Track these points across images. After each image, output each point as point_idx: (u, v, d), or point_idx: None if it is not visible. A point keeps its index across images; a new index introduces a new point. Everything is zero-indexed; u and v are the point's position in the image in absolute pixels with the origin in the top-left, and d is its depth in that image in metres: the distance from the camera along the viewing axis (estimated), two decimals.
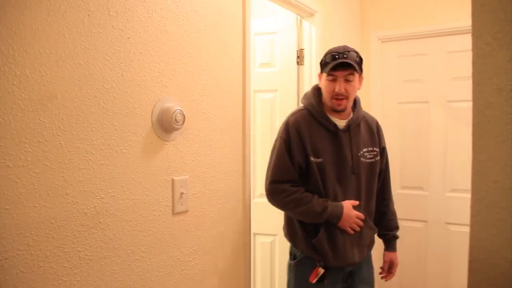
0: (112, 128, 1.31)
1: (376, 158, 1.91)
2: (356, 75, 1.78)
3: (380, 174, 1.98)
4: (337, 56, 1.76)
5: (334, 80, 1.77)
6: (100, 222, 1.28)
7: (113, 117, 1.31)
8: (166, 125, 1.47)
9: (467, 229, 0.78)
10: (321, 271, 1.81)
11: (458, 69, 2.97)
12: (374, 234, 1.99)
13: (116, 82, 1.32)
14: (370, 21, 3.33)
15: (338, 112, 1.83)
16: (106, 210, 1.30)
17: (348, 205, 1.80)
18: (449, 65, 3.04)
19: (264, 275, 2.75)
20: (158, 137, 1.47)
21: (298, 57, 2.64)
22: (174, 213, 1.55)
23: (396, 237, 2.07)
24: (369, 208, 1.93)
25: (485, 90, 0.72)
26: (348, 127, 1.84)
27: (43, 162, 1.12)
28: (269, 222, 2.65)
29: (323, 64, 1.83)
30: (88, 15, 1.22)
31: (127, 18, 1.34)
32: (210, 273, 1.75)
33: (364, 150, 1.87)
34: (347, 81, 1.77)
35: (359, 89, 1.85)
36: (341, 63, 1.74)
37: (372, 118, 2.00)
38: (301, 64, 2.65)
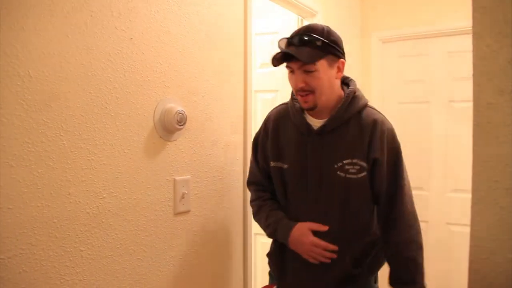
0: (115, 129, 1.32)
1: (361, 174, 1.40)
2: (322, 62, 1.36)
3: (378, 197, 1.46)
4: (286, 43, 1.41)
5: (292, 72, 1.41)
6: (103, 222, 1.29)
7: (116, 117, 1.32)
8: (168, 126, 1.47)
9: (467, 229, 0.79)
10: None
11: (459, 69, 2.97)
12: (359, 274, 1.48)
13: (119, 82, 1.32)
14: (371, 21, 3.33)
15: (310, 110, 1.45)
16: (109, 210, 1.30)
17: (303, 229, 1.43)
18: (450, 65, 3.04)
19: (265, 276, 2.75)
20: (160, 137, 1.48)
21: None
22: (176, 213, 1.55)
23: None
24: (349, 238, 1.45)
25: (486, 91, 0.72)
26: (322, 129, 1.43)
27: (46, 162, 1.12)
28: None
29: None
30: (91, 16, 1.23)
31: (130, 19, 1.35)
32: (211, 273, 1.75)
33: (346, 161, 1.40)
34: (306, 72, 1.37)
35: (338, 78, 1.44)
36: (284, 55, 1.38)
37: (372, 118, 1.44)
38: None
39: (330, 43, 1.38)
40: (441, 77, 3.09)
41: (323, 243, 1.41)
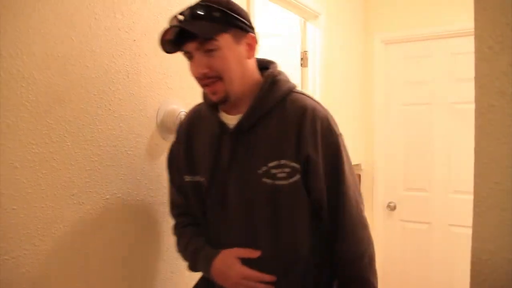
0: (118, 130, 1.32)
1: (294, 178, 1.10)
2: (225, 37, 1.06)
3: (319, 206, 1.15)
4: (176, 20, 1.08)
5: (191, 58, 1.11)
6: (106, 223, 1.29)
7: (119, 118, 1.33)
8: (170, 127, 1.48)
9: (470, 231, 0.79)
10: None
11: (462, 71, 2.97)
12: None
13: (122, 84, 1.33)
14: (373, 23, 3.33)
15: (222, 104, 1.15)
16: (112, 211, 1.31)
17: (228, 258, 1.14)
18: (453, 67, 3.04)
19: None
20: (163, 138, 1.49)
21: (301, 59, 2.65)
22: None
23: None
24: (288, 263, 1.14)
25: (488, 93, 0.72)
26: (238, 127, 1.14)
27: (50, 163, 1.13)
28: None
29: None
30: (95, 18, 1.23)
31: (133, 21, 1.36)
32: None
33: (272, 164, 1.11)
34: (208, 52, 1.06)
35: (250, 57, 1.14)
36: (178, 38, 1.08)
37: (300, 105, 1.14)
38: (305, 66, 2.65)
39: (232, 13, 1.08)
40: (444, 79, 3.09)
41: (255, 273, 1.12)
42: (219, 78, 1.08)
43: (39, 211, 1.11)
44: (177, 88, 1.54)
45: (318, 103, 1.18)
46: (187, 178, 1.23)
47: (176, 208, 1.33)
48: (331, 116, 1.19)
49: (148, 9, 1.41)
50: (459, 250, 2.99)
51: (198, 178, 1.21)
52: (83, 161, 1.22)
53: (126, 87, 1.34)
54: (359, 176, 3.32)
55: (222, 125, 1.17)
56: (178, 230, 1.31)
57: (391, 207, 3.26)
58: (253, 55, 1.15)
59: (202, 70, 1.08)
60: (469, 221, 0.79)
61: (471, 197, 0.78)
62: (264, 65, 1.21)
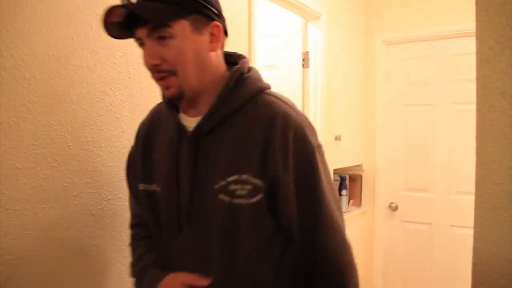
0: (120, 130, 1.32)
1: (256, 198, 0.92)
2: (181, 24, 0.89)
3: (288, 232, 0.97)
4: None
5: (142, 45, 0.93)
6: (107, 223, 1.29)
7: (120, 119, 1.33)
8: None
9: (471, 232, 0.79)
10: None
11: (463, 71, 2.97)
12: None
13: (123, 84, 1.33)
14: (374, 23, 3.33)
15: (177, 101, 0.98)
16: (113, 212, 1.31)
17: (173, 284, 0.97)
18: (454, 67, 3.04)
19: None
20: None
21: (303, 59, 2.65)
22: None
23: None
24: None
25: (489, 93, 0.72)
26: (197, 131, 0.96)
27: (51, 164, 1.13)
28: None
29: None
30: (96, 18, 1.24)
31: None
32: None
33: (231, 179, 0.92)
34: (160, 40, 0.90)
35: (214, 50, 0.95)
36: (127, 22, 0.90)
37: (269, 110, 0.95)
38: (306, 67, 2.66)
39: None
40: (445, 79, 3.09)
41: None
42: (173, 72, 0.92)
43: (41, 212, 1.11)
44: None
45: (292, 107, 0.98)
46: (141, 186, 1.05)
47: (134, 218, 1.18)
48: (309, 124, 0.99)
49: None
50: (460, 250, 2.99)
51: (153, 187, 1.02)
52: (84, 162, 1.22)
53: (127, 87, 1.35)
54: (361, 177, 3.33)
55: (181, 128, 0.99)
56: (133, 242, 1.14)
57: (393, 208, 3.25)
58: (218, 47, 0.96)
59: (154, 61, 0.91)
60: (471, 221, 0.79)
61: (472, 197, 0.78)
62: (233, 60, 1.03)
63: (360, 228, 3.23)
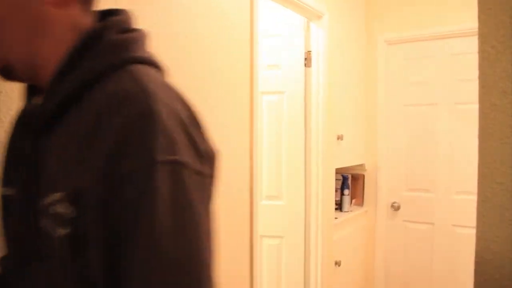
0: None
1: (61, 231, 0.55)
2: None
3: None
4: None
5: None
6: None
7: None
8: None
9: (473, 231, 0.79)
10: None
11: (465, 71, 2.97)
12: None
13: None
14: (376, 23, 3.33)
15: (7, 78, 0.68)
16: None
17: None
18: (455, 67, 3.04)
19: (271, 278, 2.76)
20: None
21: (305, 59, 2.65)
22: None
23: None
24: None
25: (491, 92, 0.72)
26: (35, 120, 0.63)
27: None
28: (275, 224, 2.66)
29: None
30: None
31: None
32: (217, 275, 1.76)
33: (55, 196, 0.56)
34: None
35: (57, 5, 0.63)
36: None
37: (112, 93, 0.58)
38: (309, 66, 2.66)
39: None
40: (446, 79, 3.09)
41: None
42: None
43: None
44: (179, 87, 1.54)
45: (150, 87, 0.61)
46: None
47: None
48: (167, 119, 0.59)
49: (150, 9, 1.42)
50: (462, 250, 2.99)
51: (7, 191, 0.70)
52: None
53: None
54: (363, 176, 3.33)
55: (28, 113, 0.71)
56: None
57: (395, 207, 3.25)
58: (67, 1, 0.64)
59: None
60: (473, 221, 0.79)
61: (474, 197, 0.78)
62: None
63: (362, 228, 3.23)
